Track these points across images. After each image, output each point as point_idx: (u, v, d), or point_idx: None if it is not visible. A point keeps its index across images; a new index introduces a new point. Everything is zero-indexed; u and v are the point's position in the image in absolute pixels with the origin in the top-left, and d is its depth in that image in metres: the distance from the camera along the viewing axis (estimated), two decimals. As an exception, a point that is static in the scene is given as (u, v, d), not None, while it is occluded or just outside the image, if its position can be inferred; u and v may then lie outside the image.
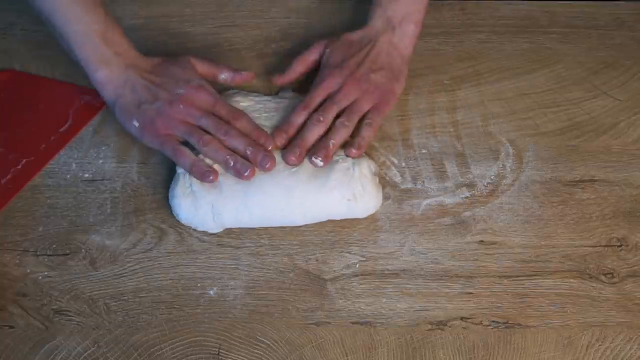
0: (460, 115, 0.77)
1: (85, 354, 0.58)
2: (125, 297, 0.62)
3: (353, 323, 0.61)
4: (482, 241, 0.66)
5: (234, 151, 0.66)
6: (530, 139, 0.74)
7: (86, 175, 0.71)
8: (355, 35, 0.77)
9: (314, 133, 0.68)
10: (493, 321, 0.61)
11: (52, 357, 0.58)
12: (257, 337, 0.60)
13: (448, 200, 0.69)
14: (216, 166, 0.66)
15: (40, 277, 0.63)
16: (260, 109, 0.72)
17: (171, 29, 0.85)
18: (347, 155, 0.68)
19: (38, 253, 0.64)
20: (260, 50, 0.84)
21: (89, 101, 0.77)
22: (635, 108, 0.77)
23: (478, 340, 0.60)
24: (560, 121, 0.76)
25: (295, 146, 0.67)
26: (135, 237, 0.66)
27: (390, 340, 0.59)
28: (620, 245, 0.66)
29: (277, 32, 0.85)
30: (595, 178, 0.71)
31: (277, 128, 0.69)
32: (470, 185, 0.70)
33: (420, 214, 0.68)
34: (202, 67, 0.74)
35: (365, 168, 0.67)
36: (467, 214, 0.68)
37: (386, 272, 0.64)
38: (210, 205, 0.64)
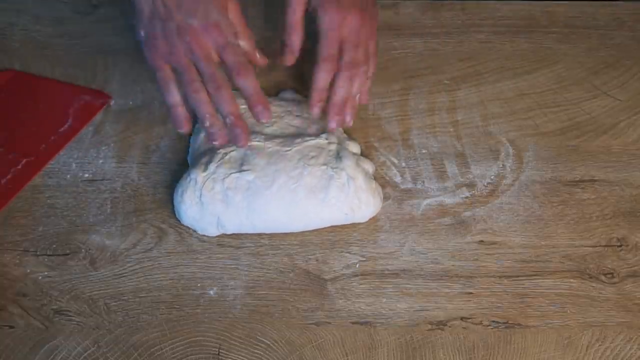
0: (460, 115, 0.77)
1: (85, 354, 0.58)
2: (125, 297, 0.62)
3: (353, 323, 0.61)
4: (482, 241, 0.66)
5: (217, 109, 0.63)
6: (530, 139, 0.74)
7: (86, 175, 0.70)
8: None
9: (349, 90, 0.67)
10: (493, 321, 0.61)
11: (52, 357, 0.58)
12: (257, 337, 0.60)
13: (448, 200, 0.69)
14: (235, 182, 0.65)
15: (40, 277, 0.63)
16: None
17: (171, 29, 0.85)
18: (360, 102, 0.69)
19: (38, 253, 0.64)
20: (260, 50, 0.83)
21: (89, 101, 0.77)
22: (635, 108, 0.77)
23: (478, 340, 0.60)
24: (560, 121, 0.76)
25: (337, 113, 0.66)
26: (135, 237, 0.66)
27: (390, 340, 0.59)
28: (620, 245, 0.66)
29: (277, 32, 0.85)
30: (595, 178, 0.71)
31: (312, 98, 0.67)
32: (470, 185, 0.70)
33: (420, 214, 0.68)
34: (234, 15, 0.67)
35: (360, 180, 0.66)
36: (467, 214, 0.68)
37: (386, 272, 0.64)
38: (215, 217, 0.64)
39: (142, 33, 0.65)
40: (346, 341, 0.59)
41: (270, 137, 0.68)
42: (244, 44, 0.68)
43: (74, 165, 0.71)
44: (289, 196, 0.65)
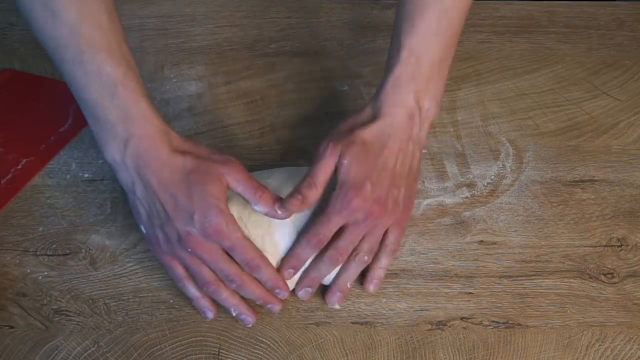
0: (460, 115, 0.77)
1: (85, 354, 0.58)
2: (125, 297, 0.62)
3: (353, 323, 0.61)
4: (482, 241, 0.66)
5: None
6: (530, 139, 0.74)
7: (86, 175, 0.71)
8: (370, 134, 0.60)
9: (329, 272, 0.61)
10: (493, 321, 0.61)
11: (52, 357, 0.58)
12: (257, 337, 0.60)
13: (448, 200, 0.69)
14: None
15: (40, 277, 0.63)
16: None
17: (171, 29, 0.85)
18: (364, 289, 0.63)
19: (38, 253, 0.64)
20: (260, 50, 0.84)
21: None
22: (635, 108, 0.77)
23: (478, 340, 0.60)
24: (560, 121, 0.76)
25: (309, 285, 0.61)
26: (135, 237, 0.66)
27: (390, 340, 0.59)
28: (620, 245, 0.66)
29: (277, 32, 0.86)
30: (595, 178, 0.71)
31: (285, 261, 0.60)
32: (470, 185, 0.70)
33: (420, 214, 0.68)
34: (236, 188, 0.59)
35: None
36: (467, 214, 0.68)
37: (386, 272, 0.64)
38: None
39: (144, 230, 0.61)
40: (346, 341, 0.59)
41: None
42: (260, 208, 0.59)
43: (74, 165, 0.71)
44: (302, 219, 0.63)
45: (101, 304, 0.61)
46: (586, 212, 0.68)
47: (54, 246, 0.65)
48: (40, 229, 0.66)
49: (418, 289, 0.63)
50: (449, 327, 0.60)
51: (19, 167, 0.71)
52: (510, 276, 0.64)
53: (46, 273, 0.63)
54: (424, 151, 0.73)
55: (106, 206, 0.68)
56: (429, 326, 0.60)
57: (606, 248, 0.66)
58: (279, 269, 0.60)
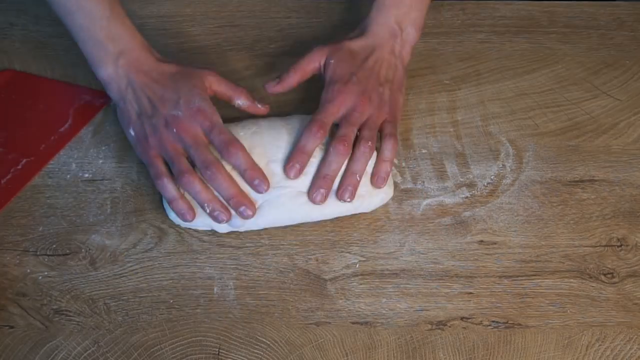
0: (460, 115, 0.77)
1: (85, 354, 0.58)
2: (125, 297, 0.62)
3: (353, 323, 0.61)
4: (482, 241, 0.66)
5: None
6: (530, 139, 0.74)
7: (86, 175, 0.71)
8: (357, 44, 0.72)
9: (339, 164, 0.64)
10: (493, 321, 0.61)
11: (52, 357, 0.58)
12: (257, 337, 0.60)
13: (448, 200, 0.69)
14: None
15: (40, 277, 0.63)
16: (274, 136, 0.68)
17: (171, 29, 0.85)
18: (374, 187, 0.66)
19: (38, 253, 0.64)
20: (260, 50, 0.84)
21: (89, 101, 0.77)
22: (635, 108, 0.77)
23: (478, 340, 0.60)
24: (560, 121, 0.76)
25: (321, 186, 0.64)
26: (135, 237, 0.66)
27: (390, 340, 0.59)
28: (620, 245, 0.66)
29: (277, 32, 0.86)
30: (595, 178, 0.71)
31: (289, 158, 0.64)
32: (470, 185, 0.70)
33: (420, 214, 0.68)
34: (218, 87, 0.69)
35: (369, 166, 0.66)
36: (467, 214, 0.68)
37: (386, 272, 0.64)
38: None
39: (132, 132, 0.67)
40: (346, 341, 0.59)
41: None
42: (242, 102, 0.70)
43: (74, 165, 0.71)
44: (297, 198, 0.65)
45: (101, 304, 0.61)
46: (586, 212, 0.68)
47: (54, 246, 0.65)
48: (40, 229, 0.66)
49: (418, 289, 0.63)
50: (449, 327, 0.60)
51: (19, 167, 0.71)
52: (510, 276, 0.64)
53: (46, 273, 0.63)
54: (423, 151, 0.73)
55: (106, 206, 0.68)
56: (429, 326, 0.60)
57: (606, 248, 0.66)
58: (285, 167, 0.64)
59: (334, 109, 0.67)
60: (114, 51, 0.68)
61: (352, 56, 0.71)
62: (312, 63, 0.72)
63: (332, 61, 0.70)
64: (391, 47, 0.73)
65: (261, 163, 0.65)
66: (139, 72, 0.67)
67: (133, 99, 0.67)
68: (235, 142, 0.64)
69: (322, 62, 0.71)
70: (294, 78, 0.71)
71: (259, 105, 0.70)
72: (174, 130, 0.64)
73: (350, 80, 0.69)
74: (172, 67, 0.69)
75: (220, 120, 0.65)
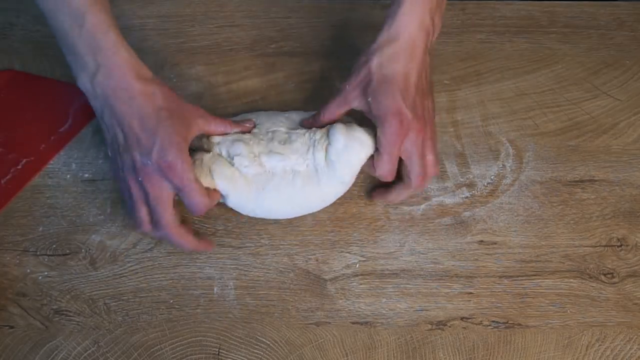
0: (460, 115, 0.77)
1: (85, 354, 0.58)
2: (125, 297, 0.62)
3: (353, 323, 0.61)
4: (482, 241, 0.66)
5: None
6: (530, 139, 0.74)
7: (86, 175, 0.71)
8: (388, 58, 0.64)
9: (407, 194, 0.66)
10: (493, 321, 0.61)
11: (52, 357, 0.58)
12: (257, 337, 0.60)
13: (448, 200, 0.69)
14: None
15: (40, 277, 0.63)
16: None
17: (171, 29, 0.85)
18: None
19: (38, 253, 0.64)
20: (260, 50, 0.84)
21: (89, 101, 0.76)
22: (635, 108, 0.77)
23: (478, 340, 0.60)
24: (560, 121, 0.76)
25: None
26: (135, 237, 0.66)
27: (390, 340, 0.59)
28: (620, 245, 0.66)
29: (277, 32, 0.85)
30: (595, 178, 0.71)
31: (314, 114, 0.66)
32: (470, 185, 0.70)
33: (420, 214, 0.68)
34: (207, 128, 0.64)
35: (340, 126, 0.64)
36: (467, 214, 0.68)
37: (386, 272, 0.64)
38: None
39: (108, 150, 0.63)
40: (346, 341, 0.59)
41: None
42: (238, 128, 0.66)
43: (74, 165, 0.71)
44: (289, 188, 0.64)
45: (101, 304, 0.61)
46: (586, 212, 0.68)
47: (54, 246, 0.65)
48: (40, 229, 0.66)
49: (418, 289, 0.63)
50: (449, 327, 0.60)
51: (19, 167, 0.71)
52: (510, 276, 0.64)
53: (46, 273, 0.63)
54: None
55: (106, 206, 0.68)
56: (429, 326, 0.60)
57: (606, 248, 0.66)
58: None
59: (396, 150, 0.62)
60: (92, 65, 0.59)
61: (389, 83, 0.63)
62: (344, 106, 0.65)
63: (371, 99, 0.62)
64: (426, 47, 0.65)
65: (259, 147, 0.64)
66: (116, 98, 0.59)
67: (108, 125, 0.61)
68: (204, 203, 0.60)
69: (359, 103, 0.64)
70: (324, 121, 0.66)
71: (248, 125, 0.67)
72: (139, 179, 0.59)
73: (401, 112, 0.61)
74: (158, 99, 0.60)
75: (192, 177, 0.59)
